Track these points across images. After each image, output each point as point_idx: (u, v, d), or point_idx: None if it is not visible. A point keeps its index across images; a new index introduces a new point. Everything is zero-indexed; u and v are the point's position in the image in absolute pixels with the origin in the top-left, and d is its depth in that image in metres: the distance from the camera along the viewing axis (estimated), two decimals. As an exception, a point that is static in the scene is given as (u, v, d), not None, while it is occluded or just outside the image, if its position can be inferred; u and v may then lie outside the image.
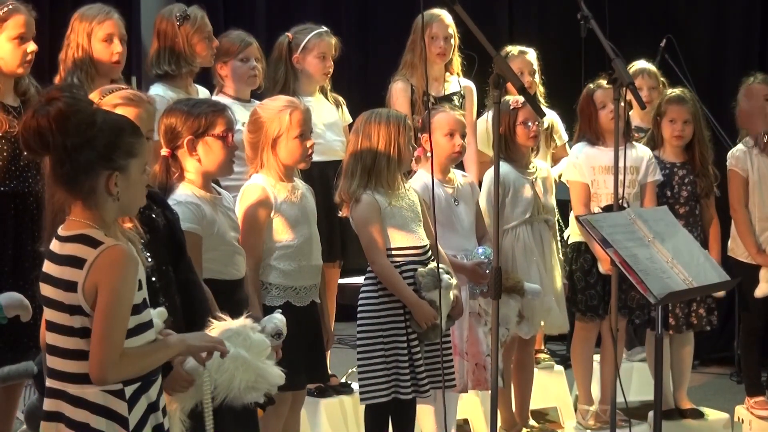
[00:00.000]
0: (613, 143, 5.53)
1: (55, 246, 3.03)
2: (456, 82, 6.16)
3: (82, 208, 3.02)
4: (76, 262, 2.96)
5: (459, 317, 5.00)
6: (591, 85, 5.75)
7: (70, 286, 2.96)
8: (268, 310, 4.39)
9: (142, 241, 3.41)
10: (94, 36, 4.85)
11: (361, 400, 4.91)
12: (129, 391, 3.00)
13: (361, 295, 4.94)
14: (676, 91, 6.05)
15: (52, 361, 3.03)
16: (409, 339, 4.82)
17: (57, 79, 4.86)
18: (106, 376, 2.95)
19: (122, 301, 2.95)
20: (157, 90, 5.23)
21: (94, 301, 2.94)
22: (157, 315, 3.18)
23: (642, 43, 7.27)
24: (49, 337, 3.04)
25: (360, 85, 8.27)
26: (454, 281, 4.86)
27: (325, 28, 5.85)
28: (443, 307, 4.68)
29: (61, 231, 3.03)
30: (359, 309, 4.92)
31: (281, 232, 4.57)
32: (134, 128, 3.12)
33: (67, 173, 2.97)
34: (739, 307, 6.29)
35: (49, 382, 3.05)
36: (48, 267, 3.03)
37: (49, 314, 3.03)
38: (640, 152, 5.83)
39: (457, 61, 6.15)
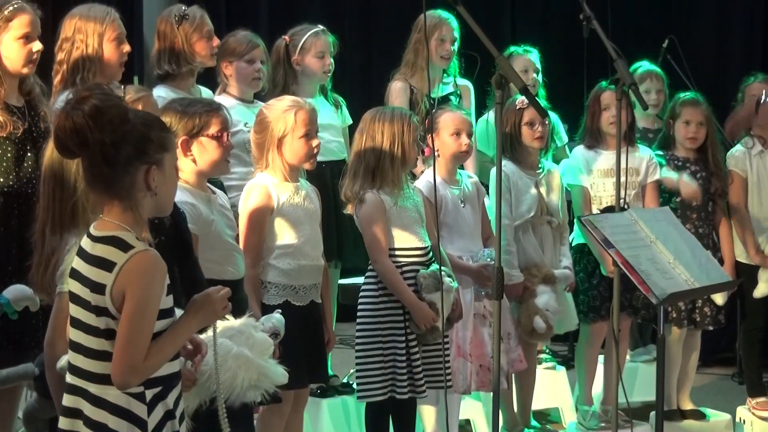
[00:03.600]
0: (612, 146, 5.58)
1: (86, 244, 3.02)
2: (452, 82, 6.17)
3: (117, 208, 3.01)
4: (105, 264, 2.95)
5: (458, 320, 5.01)
6: (603, 83, 5.74)
7: (97, 287, 2.95)
8: (266, 309, 4.40)
9: (155, 242, 3.42)
10: (106, 37, 4.85)
11: (358, 397, 4.94)
12: (149, 394, 3.00)
13: (361, 294, 4.95)
14: (689, 93, 6.07)
15: (75, 358, 3.02)
16: (408, 339, 4.83)
17: (57, 80, 4.85)
18: (129, 381, 2.95)
19: (148, 308, 2.94)
20: (160, 92, 5.23)
21: (121, 305, 2.93)
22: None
23: (644, 43, 7.28)
24: (72, 333, 3.03)
25: (362, 85, 8.27)
26: (454, 284, 4.87)
27: (321, 27, 5.86)
28: (442, 310, 4.69)
29: (93, 230, 3.02)
30: (359, 308, 4.93)
31: (283, 232, 4.58)
32: (162, 123, 3.15)
33: (108, 171, 2.96)
34: (740, 307, 6.29)
35: (70, 379, 3.04)
36: (78, 264, 3.02)
37: (74, 311, 3.02)
38: (640, 153, 5.84)
39: (454, 62, 6.16)
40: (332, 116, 5.84)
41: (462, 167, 5.47)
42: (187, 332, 3.10)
